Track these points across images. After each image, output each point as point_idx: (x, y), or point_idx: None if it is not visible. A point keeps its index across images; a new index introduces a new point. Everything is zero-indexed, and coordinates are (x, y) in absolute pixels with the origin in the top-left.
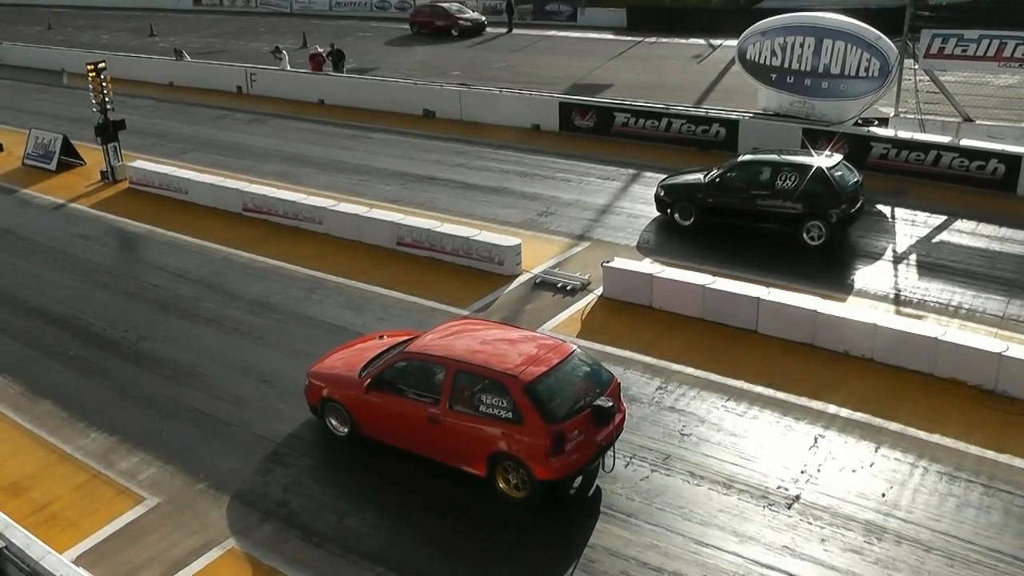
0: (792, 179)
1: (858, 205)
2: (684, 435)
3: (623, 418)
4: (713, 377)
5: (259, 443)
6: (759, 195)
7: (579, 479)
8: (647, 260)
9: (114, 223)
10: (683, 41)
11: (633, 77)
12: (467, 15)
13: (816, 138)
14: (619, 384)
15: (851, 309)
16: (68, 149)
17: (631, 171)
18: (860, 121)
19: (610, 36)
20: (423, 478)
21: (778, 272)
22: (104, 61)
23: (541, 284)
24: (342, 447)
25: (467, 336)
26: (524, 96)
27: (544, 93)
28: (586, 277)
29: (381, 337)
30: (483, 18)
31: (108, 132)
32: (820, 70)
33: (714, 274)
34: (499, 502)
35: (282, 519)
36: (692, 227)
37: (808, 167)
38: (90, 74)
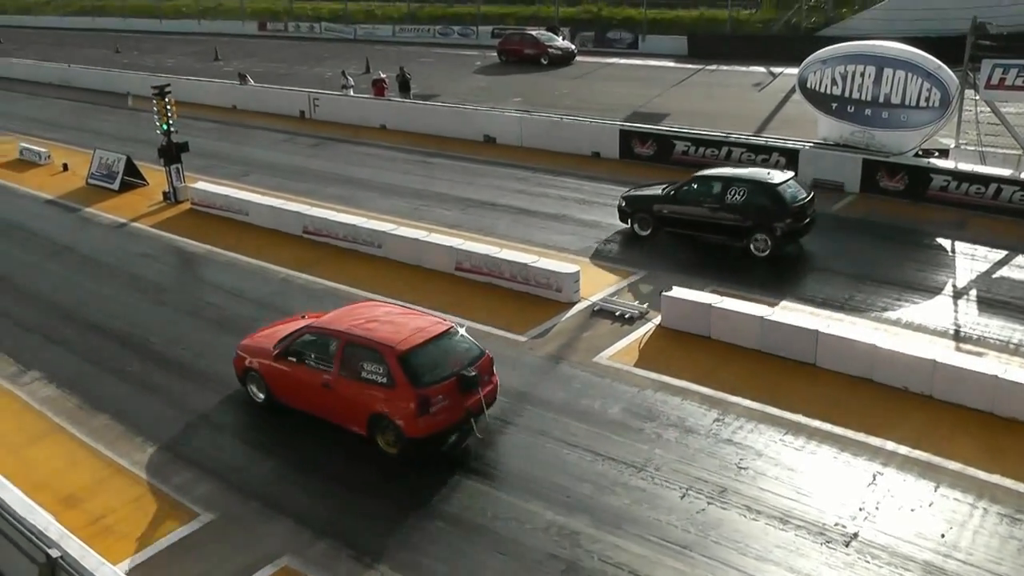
0: (740, 193)
1: (805, 221)
2: (741, 468)
3: (494, 389)
4: (770, 410)
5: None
6: (710, 207)
7: (453, 438)
8: (705, 290)
9: (174, 243)
10: (743, 69)
11: (693, 105)
12: (557, 44)
13: (876, 169)
14: (491, 359)
15: (910, 344)
16: (131, 169)
17: None
18: (920, 152)
19: (671, 63)
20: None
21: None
22: (169, 84)
23: (599, 312)
24: (405, 477)
25: (363, 314)
26: (584, 123)
27: (604, 120)
28: (644, 306)
29: (303, 317)
30: (573, 47)
31: (171, 154)
32: (880, 100)
33: (722, 294)
34: None
35: (337, 537)
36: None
37: (756, 182)
38: (155, 97)
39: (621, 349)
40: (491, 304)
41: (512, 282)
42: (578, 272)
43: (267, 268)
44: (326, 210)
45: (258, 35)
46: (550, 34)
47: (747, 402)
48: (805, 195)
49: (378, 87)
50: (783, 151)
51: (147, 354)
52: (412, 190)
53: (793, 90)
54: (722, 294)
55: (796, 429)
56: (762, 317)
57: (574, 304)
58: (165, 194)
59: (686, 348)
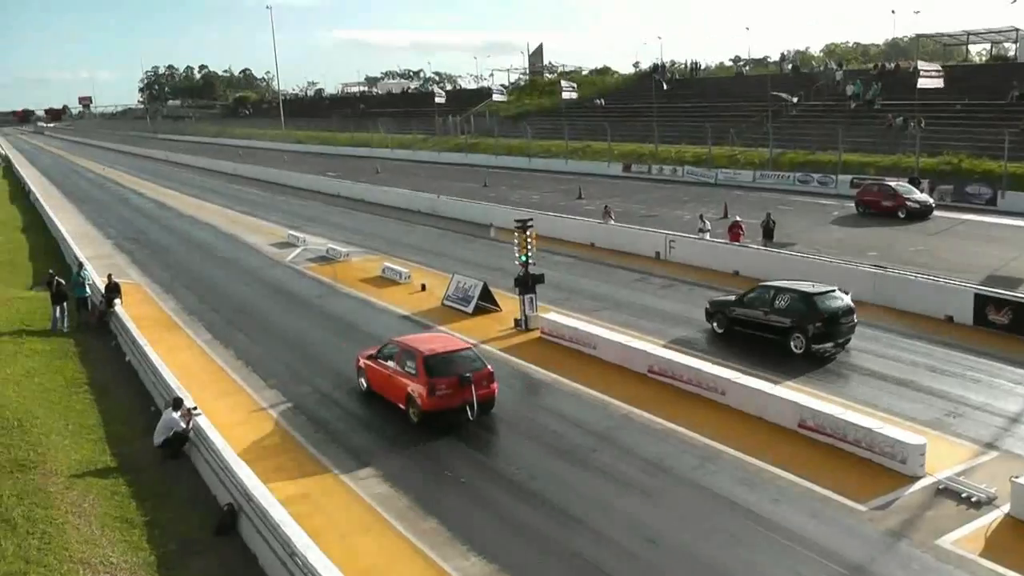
0: (785, 300)
1: (840, 326)
2: None
3: (490, 392)
4: None
5: None
6: (764, 311)
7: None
8: None
9: (521, 368)
10: None
11: None
12: (915, 196)
13: None
14: (491, 372)
15: None
16: (486, 295)
17: None
18: None
19: None
20: None
21: None
22: (531, 219)
23: (944, 490)
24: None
25: (423, 336)
26: (938, 284)
27: (958, 282)
28: (992, 490)
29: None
30: (931, 200)
31: (527, 284)
32: None
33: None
34: None
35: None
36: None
37: (797, 291)
38: (517, 229)
39: (966, 535)
40: (832, 466)
41: (855, 446)
42: (924, 444)
43: (609, 402)
44: (672, 351)
45: (622, 176)
46: (910, 186)
47: None
48: (842, 305)
49: (734, 232)
50: None
51: (481, 468)
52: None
53: None
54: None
55: None
56: None
57: (918, 478)
58: (516, 321)
59: None
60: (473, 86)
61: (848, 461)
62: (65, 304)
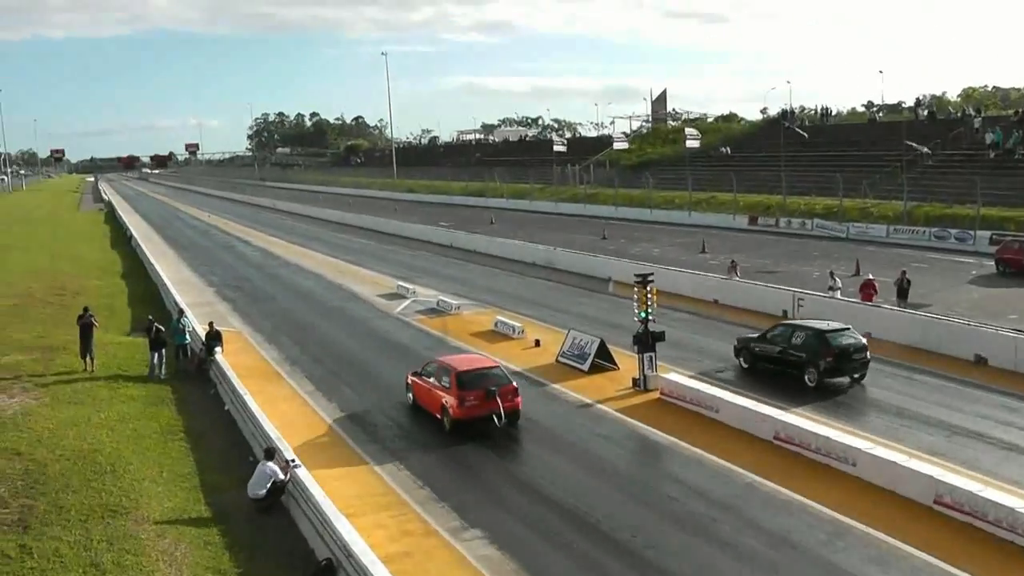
0: (801, 337)
1: (852, 362)
2: None
3: (514, 405)
4: None
5: None
6: (782, 347)
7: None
8: None
9: (638, 430)
10: None
11: None
12: None
13: None
14: (515, 387)
15: None
16: (603, 352)
17: None
18: None
19: None
20: None
21: None
22: (652, 273)
23: None
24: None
25: (460, 355)
26: None
27: None
28: None
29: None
30: None
31: (646, 342)
32: None
33: None
34: None
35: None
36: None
37: (811, 328)
38: (636, 284)
39: None
40: (971, 548)
41: (996, 526)
42: None
43: (732, 470)
44: (799, 418)
45: (748, 229)
46: None
47: None
48: (853, 342)
49: (866, 291)
50: None
51: (592, 533)
52: (893, 407)
53: None
54: None
55: None
56: None
57: None
58: (635, 381)
59: None
60: (593, 133)
61: (988, 543)
62: (163, 350)
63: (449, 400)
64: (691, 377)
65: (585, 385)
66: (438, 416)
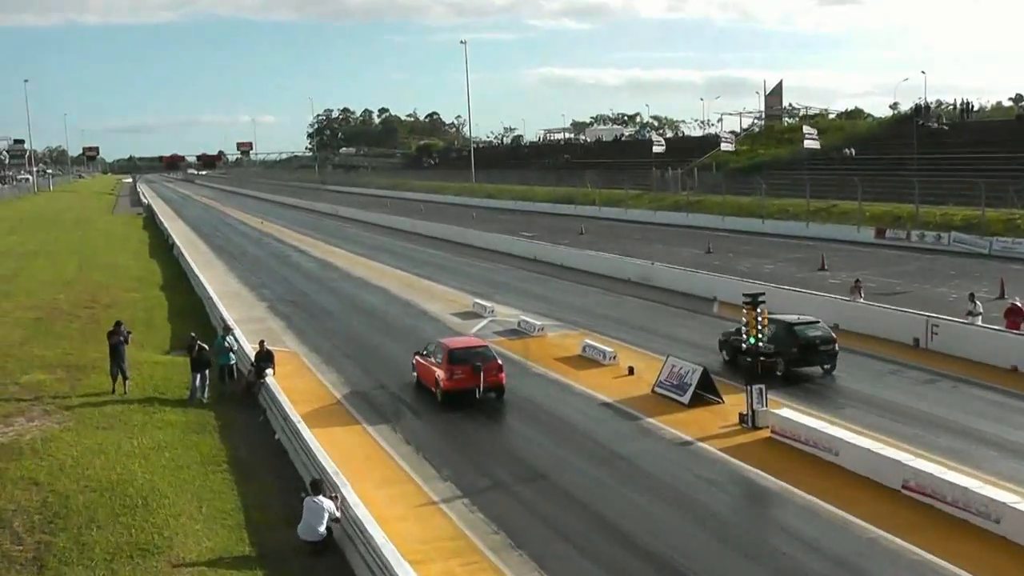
0: (772, 329)
1: (818, 352)
2: None
3: (496, 378)
4: None
5: None
6: None
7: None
8: None
9: (744, 472)
10: None
11: None
12: None
13: None
14: (500, 364)
15: None
16: (706, 383)
17: None
18: None
19: None
20: None
21: None
22: (763, 293)
23: None
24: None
25: (457, 337)
26: None
27: None
28: None
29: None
30: None
31: (756, 372)
32: None
33: None
34: None
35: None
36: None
37: (780, 321)
38: (745, 306)
39: None
40: None
41: None
42: None
43: (852, 522)
44: (934, 464)
45: (874, 243)
46: None
47: None
48: (820, 334)
49: (1012, 318)
50: None
51: None
52: None
53: None
54: None
55: None
56: None
57: None
58: (742, 416)
59: None
60: (697, 133)
61: None
62: (206, 372)
63: (440, 374)
64: (807, 414)
65: (685, 420)
66: (433, 389)
